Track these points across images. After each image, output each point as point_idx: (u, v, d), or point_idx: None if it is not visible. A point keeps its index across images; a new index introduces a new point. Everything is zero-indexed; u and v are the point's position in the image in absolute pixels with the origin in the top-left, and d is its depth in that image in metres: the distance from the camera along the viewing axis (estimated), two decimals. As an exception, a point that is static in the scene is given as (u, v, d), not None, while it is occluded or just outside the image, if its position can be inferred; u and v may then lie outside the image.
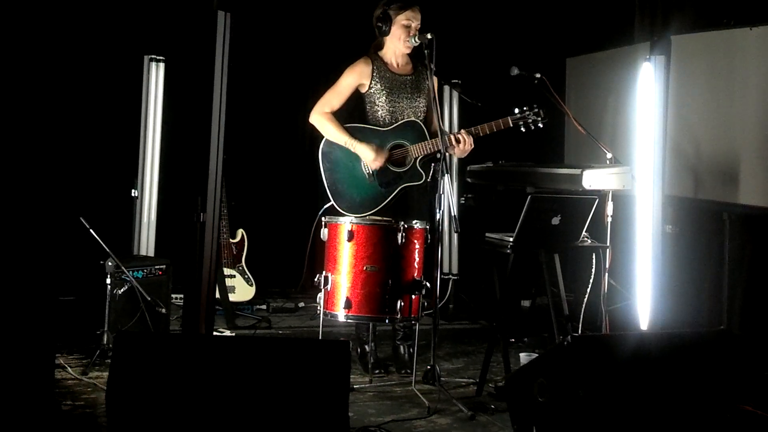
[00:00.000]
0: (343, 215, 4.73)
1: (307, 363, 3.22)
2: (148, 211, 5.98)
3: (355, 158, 4.87)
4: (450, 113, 6.87)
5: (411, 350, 4.97)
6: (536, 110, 4.77)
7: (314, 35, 7.22)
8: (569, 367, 3.36)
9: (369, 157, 4.82)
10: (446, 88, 6.61)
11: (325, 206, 4.86)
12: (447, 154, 4.64)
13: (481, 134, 4.77)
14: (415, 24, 4.86)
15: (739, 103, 5.30)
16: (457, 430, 4.04)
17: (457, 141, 4.73)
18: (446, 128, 6.54)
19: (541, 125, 4.79)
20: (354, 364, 4.81)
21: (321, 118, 4.92)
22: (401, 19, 4.85)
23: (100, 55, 6.30)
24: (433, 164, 4.86)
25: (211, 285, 4.78)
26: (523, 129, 4.79)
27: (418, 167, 4.86)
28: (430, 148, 4.80)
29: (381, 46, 4.99)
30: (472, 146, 4.78)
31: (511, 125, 4.77)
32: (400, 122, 4.90)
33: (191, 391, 3.13)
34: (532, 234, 4.46)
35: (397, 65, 4.99)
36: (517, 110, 4.77)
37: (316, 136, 5.09)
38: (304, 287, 5.47)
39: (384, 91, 4.90)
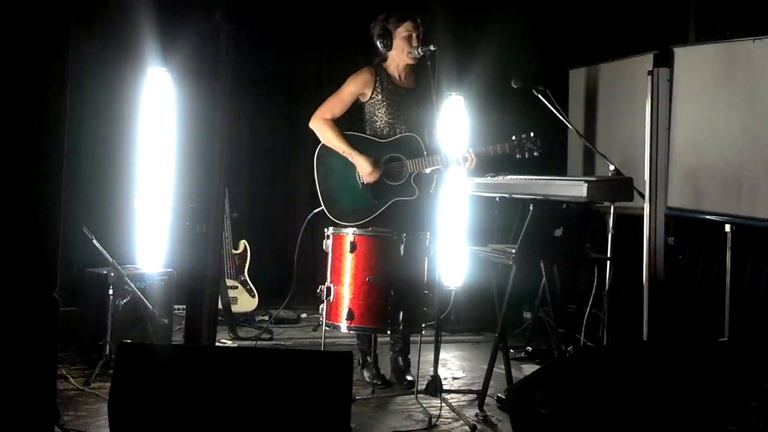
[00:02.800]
0: (336, 223, 4.76)
1: (310, 374, 3.22)
2: (150, 222, 5.99)
3: (350, 166, 4.87)
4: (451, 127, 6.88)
5: (410, 361, 4.97)
6: (533, 138, 4.80)
7: (316, 47, 7.24)
8: (571, 379, 3.36)
9: (365, 170, 4.83)
10: (447, 101, 6.62)
11: (314, 211, 4.88)
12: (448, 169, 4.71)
13: (485, 155, 4.79)
14: (417, 33, 4.87)
15: (741, 115, 5.31)
16: (459, 442, 4.05)
17: (464, 159, 4.75)
18: (446, 142, 6.56)
19: (536, 154, 4.81)
20: (356, 376, 4.81)
21: (321, 124, 4.92)
22: (402, 32, 4.86)
23: (105, 64, 6.32)
24: (435, 176, 4.87)
25: (213, 296, 4.78)
26: (518, 156, 4.81)
27: (412, 182, 4.86)
28: (425, 165, 4.80)
29: (385, 58, 5.00)
30: (475, 164, 4.80)
31: (508, 151, 4.81)
32: (398, 135, 4.90)
33: (193, 402, 3.14)
34: (534, 245, 4.46)
35: (400, 78, 4.99)
36: (514, 137, 4.80)
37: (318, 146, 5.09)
38: (293, 297, 5.45)
39: (384, 103, 4.91)
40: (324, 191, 4.91)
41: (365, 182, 4.86)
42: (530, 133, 4.80)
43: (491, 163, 4.99)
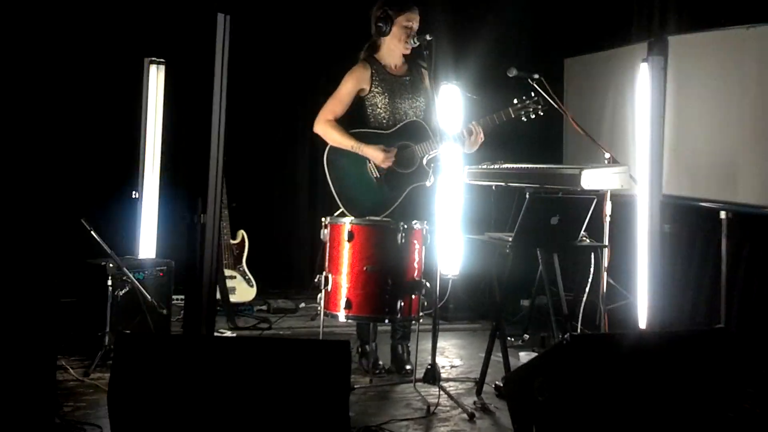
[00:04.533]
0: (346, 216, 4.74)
1: (308, 363, 3.23)
2: (149, 213, 5.99)
3: (362, 163, 4.87)
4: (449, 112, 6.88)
5: (409, 350, 4.99)
6: (535, 99, 4.80)
7: (314, 37, 7.23)
8: (568, 366, 3.37)
9: (378, 158, 4.82)
10: (444, 87, 6.61)
11: (336, 213, 4.86)
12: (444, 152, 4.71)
13: (491, 125, 4.78)
14: (415, 25, 4.88)
15: (736, 103, 5.32)
16: (458, 430, 4.06)
17: (469, 133, 4.75)
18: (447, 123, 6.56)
19: (541, 113, 4.82)
20: (354, 364, 4.83)
21: (325, 126, 4.92)
22: (402, 20, 4.87)
23: (101, 57, 6.32)
24: (432, 163, 4.87)
25: (211, 286, 4.79)
26: (524, 118, 4.81)
27: (424, 166, 4.87)
28: (434, 146, 4.81)
29: (377, 48, 5.00)
30: (483, 138, 4.80)
31: (513, 116, 4.80)
32: (402, 123, 4.91)
33: (192, 392, 3.15)
34: (531, 234, 4.47)
35: (395, 66, 5.00)
36: (516, 100, 4.80)
37: (317, 139, 5.09)
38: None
39: (385, 94, 4.92)
40: (340, 193, 4.89)
41: (381, 169, 4.84)
42: (531, 93, 4.82)
43: (490, 144, 4.99)
